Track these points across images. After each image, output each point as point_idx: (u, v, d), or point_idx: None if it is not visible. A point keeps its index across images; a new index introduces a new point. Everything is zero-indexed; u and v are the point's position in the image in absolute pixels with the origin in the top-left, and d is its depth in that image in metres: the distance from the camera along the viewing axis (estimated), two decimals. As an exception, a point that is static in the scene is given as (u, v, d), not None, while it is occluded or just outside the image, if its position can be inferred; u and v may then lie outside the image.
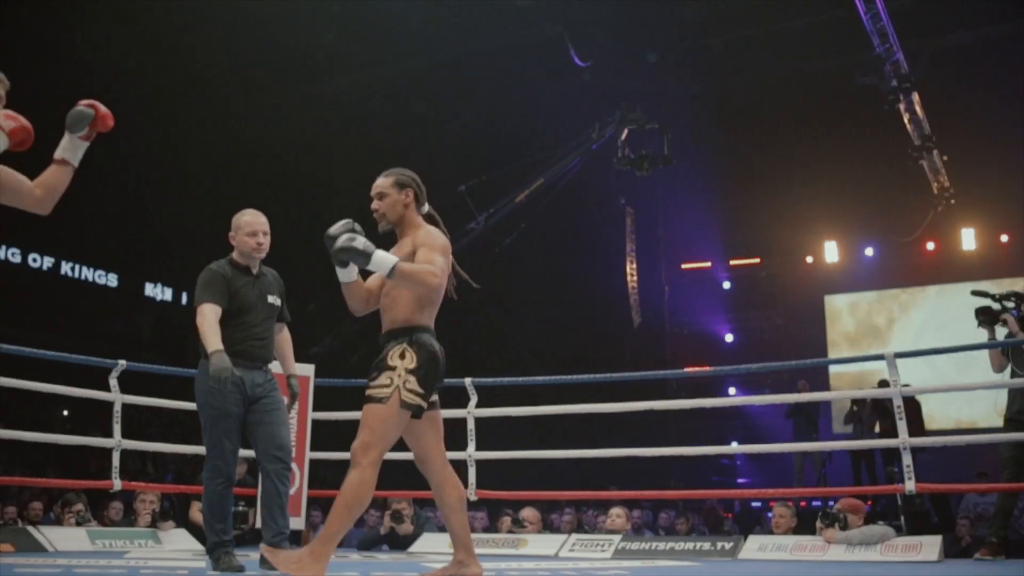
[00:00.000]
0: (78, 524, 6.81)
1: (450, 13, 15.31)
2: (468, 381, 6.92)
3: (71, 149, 3.40)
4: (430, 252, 3.92)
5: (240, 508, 6.87)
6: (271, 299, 4.90)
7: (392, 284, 3.94)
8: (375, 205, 4.06)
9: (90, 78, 13.87)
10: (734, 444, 15.44)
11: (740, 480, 17.68)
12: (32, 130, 3.10)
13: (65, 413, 17.07)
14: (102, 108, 3.44)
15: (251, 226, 4.88)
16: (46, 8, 14.23)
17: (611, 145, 16.92)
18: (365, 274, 4.13)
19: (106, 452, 6.53)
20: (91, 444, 7.38)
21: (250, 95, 16.72)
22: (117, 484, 6.40)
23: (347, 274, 4.03)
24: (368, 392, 3.86)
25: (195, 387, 4.76)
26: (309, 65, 16.46)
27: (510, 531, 7.55)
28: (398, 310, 3.96)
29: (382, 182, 4.10)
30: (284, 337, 5.20)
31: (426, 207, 4.20)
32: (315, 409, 7.21)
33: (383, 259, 3.74)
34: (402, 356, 3.88)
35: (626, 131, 16.78)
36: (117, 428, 6.35)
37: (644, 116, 16.58)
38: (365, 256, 3.74)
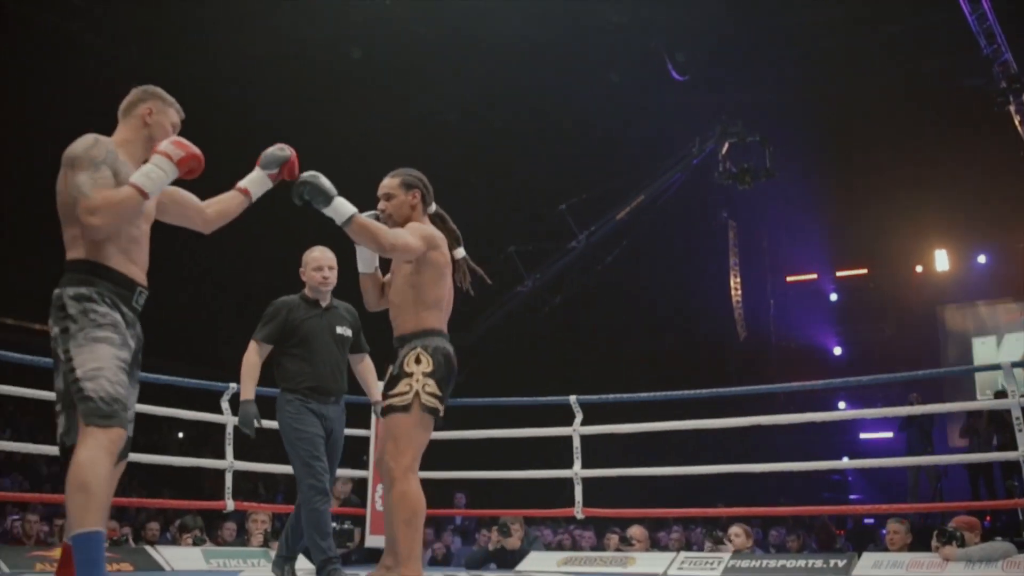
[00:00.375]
0: (194, 544, 6.96)
1: (547, 31, 15.34)
2: (573, 399, 6.89)
3: (257, 183, 3.50)
4: (406, 232, 3.84)
5: (346, 527, 6.94)
6: (340, 330, 5.04)
7: (369, 261, 4.03)
8: (381, 206, 3.99)
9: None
10: (845, 459, 15.13)
11: (852, 496, 17.31)
12: (202, 158, 3.14)
13: (180, 435, 17.50)
14: (294, 156, 3.54)
15: (317, 261, 5.05)
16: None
17: (712, 159, 16.80)
18: (385, 271, 4.12)
19: (219, 473, 6.65)
20: (204, 465, 7.54)
21: (344, 109, 16.91)
22: (230, 505, 6.52)
23: (365, 263, 4.03)
24: (388, 402, 3.84)
25: (277, 416, 4.94)
26: (407, 84, 16.64)
27: (618, 549, 7.50)
28: (405, 315, 3.92)
29: (389, 183, 4.02)
30: (365, 366, 5.33)
31: (433, 207, 4.11)
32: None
33: (343, 206, 3.62)
34: (417, 361, 3.83)
35: (727, 144, 16.65)
36: (229, 450, 6.47)
37: (744, 129, 16.46)
38: (326, 197, 3.59)
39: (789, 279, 19.89)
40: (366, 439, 7.17)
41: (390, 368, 3.99)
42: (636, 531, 7.46)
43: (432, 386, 3.81)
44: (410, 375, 3.82)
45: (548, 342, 19.01)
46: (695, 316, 19.33)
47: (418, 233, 3.86)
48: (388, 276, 4.11)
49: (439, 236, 3.99)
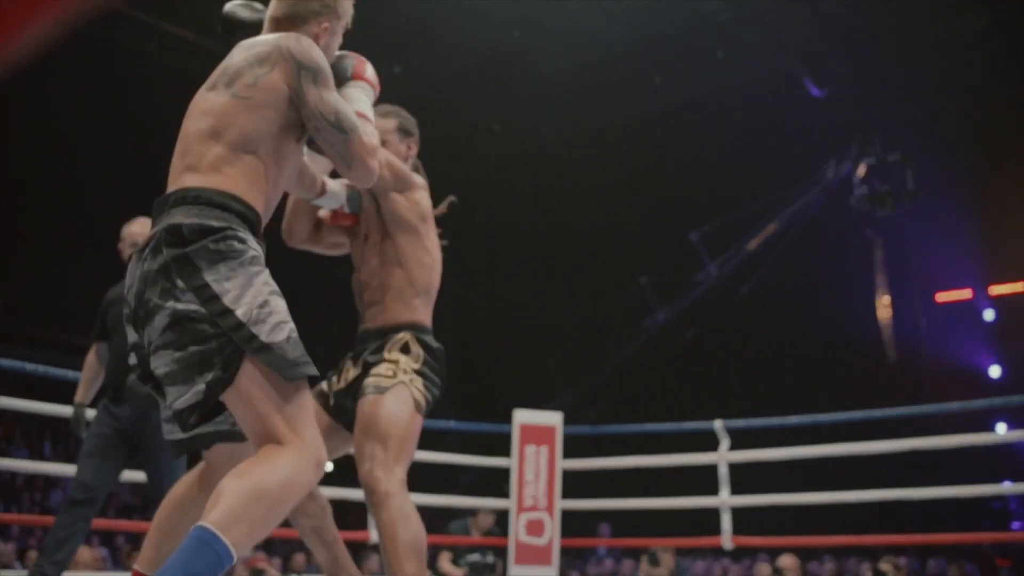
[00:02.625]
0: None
1: (672, 57, 15.25)
2: (719, 424, 6.72)
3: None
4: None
5: (488, 560, 6.89)
6: None
7: (366, 224, 3.22)
8: None
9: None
10: (1007, 484, 14.45)
11: (1015, 524, 16.55)
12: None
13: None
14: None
15: (134, 237, 4.83)
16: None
17: (849, 182, 16.20)
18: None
19: (361, 506, 6.68)
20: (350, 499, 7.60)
21: (478, 147, 17.06)
22: (373, 536, 6.53)
23: (327, 199, 3.15)
24: (367, 389, 3.05)
25: None
26: (535, 111, 16.74)
27: (769, 580, 7.28)
28: (390, 302, 3.16)
29: (383, 124, 3.22)
30: None
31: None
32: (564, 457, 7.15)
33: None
34: (404, 350, 3.09)
35: (864, 166, 15.86)
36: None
37: (883, 148, 15.69)
38: (251, 26, 2.76)
39: (940, 297, 19.21)
40: (505, 470, 7.10)
41: (346, 366, 3.28)
42: (787, 560, 7.23)
43: (419, 384, 3.08)
44: (394, 361, 3.08)
45: (688, 370, 18.75)
46: (842, 339, 18.79)
47: (400, 168, 3.21)
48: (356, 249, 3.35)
49: (431, 210, 3.34)
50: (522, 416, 6.82)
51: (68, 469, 11.68)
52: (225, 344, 2.18)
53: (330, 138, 2.43)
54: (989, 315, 18.80)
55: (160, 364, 2.24)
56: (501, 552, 7.27)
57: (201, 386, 2.18)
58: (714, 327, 17.93)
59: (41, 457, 13.67)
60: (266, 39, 2.48)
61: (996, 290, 18.59)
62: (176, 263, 2.21)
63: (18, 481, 13.16)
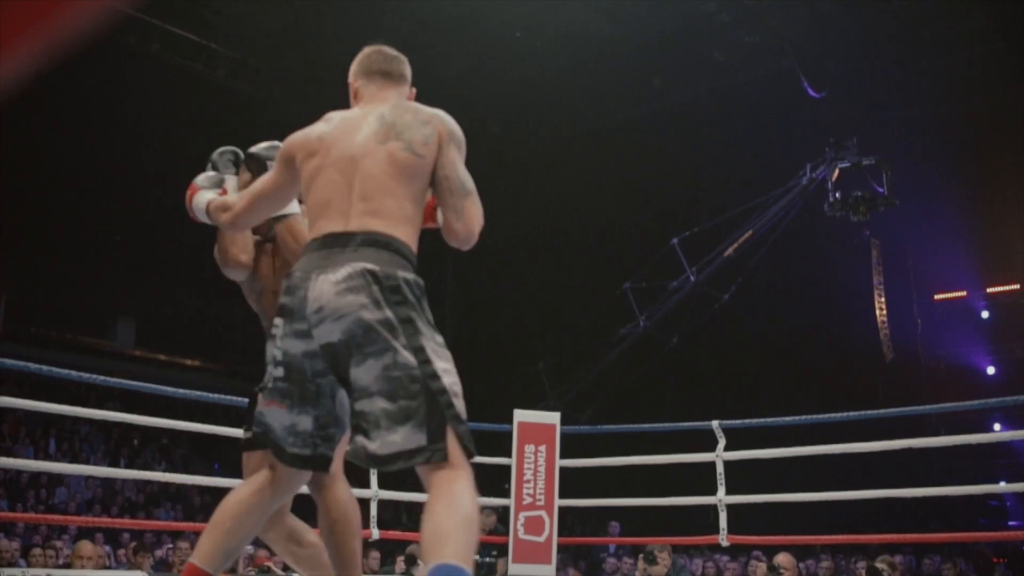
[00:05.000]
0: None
1: (671, 58, 15.29)
2: (715, 424, 6.79)
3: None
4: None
5: (489, 559, 6.96)
6: None
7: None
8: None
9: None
10: (1002, 484, 14.52)
11: (1011, 523, 16.60)
12: None
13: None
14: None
15: None
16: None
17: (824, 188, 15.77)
18: None
19: (364, 503, 6.75)
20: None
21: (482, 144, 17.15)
22: (375, 533, 6.61)
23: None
24: None
25: None
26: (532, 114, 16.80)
27: (765, 577, 7.34)
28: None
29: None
30: None
31: None
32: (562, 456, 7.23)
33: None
34: None
35: (837, 171, 15.37)
36: (374, 479, 6.55)
37: (858, 152, 15.24)
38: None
39: (937, 297, 19.26)
40: (507, 467, 7.18)
41: None
42: (783, 559, 7.28)
43: None
44: None
45: (692, 370, 18.79)
46: (838, 339, 18.84)
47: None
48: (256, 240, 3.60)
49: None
50: (521, 415, 6.90)
51: (72, 468, 11.78)
52: (432, 404, 2.43)
53: (455, 196, 2.71)
54: (985, 314, 18.87)
55: (365, 405, 2.46)
56: (503, 550, 7.35)
57: (403, 436, 2.41)
58: (714, 327, 17.96)
59: (46, 456, 13.74)
60: (418, 106, 2.80)
61: (992, 289, 18.66)
62: (401, 321, 2.48)
63: (23, 479, 13.23)
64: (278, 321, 2.60)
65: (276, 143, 3.27)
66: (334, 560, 3.29)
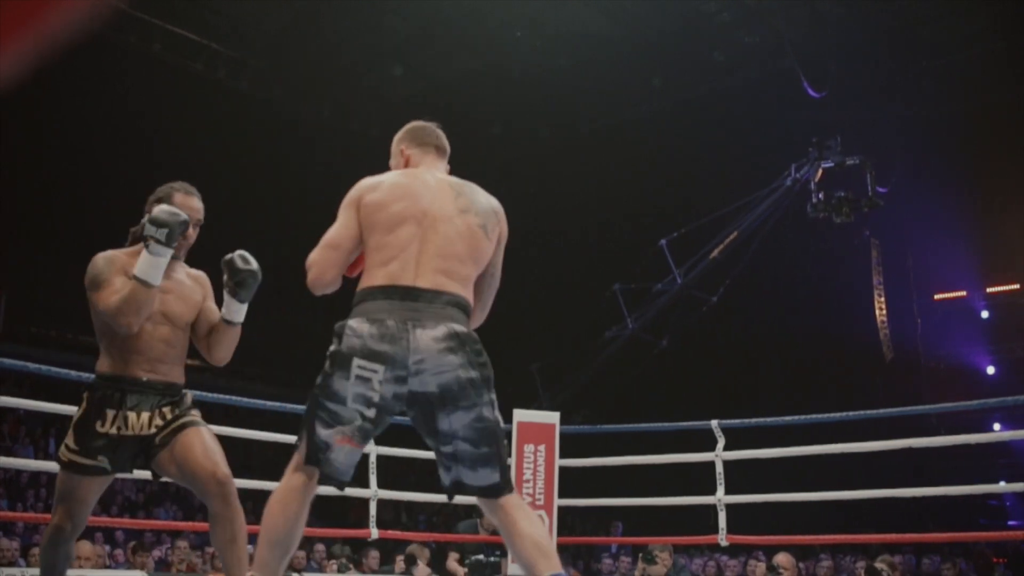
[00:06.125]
0: (340, 571, 7.08)
1: (671, 58, 15.27)
2: (715, 423, 6.78)
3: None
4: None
5: (494, 558, 6.96)
6: None
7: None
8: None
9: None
10: (1002, 483, 14.52)
11: (1011, 522, 16.60)
12: None
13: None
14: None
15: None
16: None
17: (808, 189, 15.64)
18: None
19: (363, 502, 6.75)
20: (350, 495, 7.67)
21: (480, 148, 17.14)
22: (374, 533, 6.61)
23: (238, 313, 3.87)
24: (196, 418, 3.76)
25: None
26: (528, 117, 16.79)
27: (765, 577, 7.34)
28: (182, 365, 3.90)
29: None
30: None
31: None
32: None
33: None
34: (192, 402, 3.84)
35: (820, 171, 15.23)
36: (373, 479, 6.56)
37: (841, 151, 15.14)
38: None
39: (937, 297, 19.26)
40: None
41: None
42: (783, 558, 7.29)
43: None
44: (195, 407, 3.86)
45: (690, 369, 18.77)
46: (838, 339, 18.83)
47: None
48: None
49: None
50: (521, 415, 6.91)
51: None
52: (502, 449, 2.92)
53: (490, 291, 3.11)
54: (985, 314, 18.87)
55: (454, 447, 2.88)
56: (506, 550, 7.34)
57: (485, 474, 2.88)
58: (708, 328, 17.95)
59: (46, 455, 13.72)
60: (489, 198, 3.10)
61: (991, 289, 18.66)
62: (483, 380, 2.86)
63: (23, 479, 13.23)
64: (376, 367, 2.79)
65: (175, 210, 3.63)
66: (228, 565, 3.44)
